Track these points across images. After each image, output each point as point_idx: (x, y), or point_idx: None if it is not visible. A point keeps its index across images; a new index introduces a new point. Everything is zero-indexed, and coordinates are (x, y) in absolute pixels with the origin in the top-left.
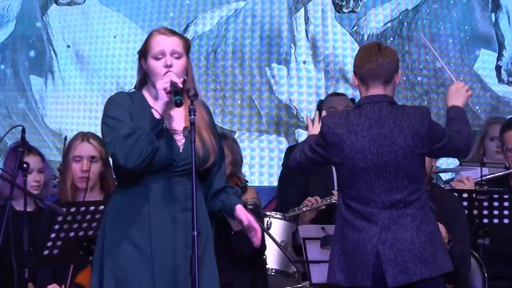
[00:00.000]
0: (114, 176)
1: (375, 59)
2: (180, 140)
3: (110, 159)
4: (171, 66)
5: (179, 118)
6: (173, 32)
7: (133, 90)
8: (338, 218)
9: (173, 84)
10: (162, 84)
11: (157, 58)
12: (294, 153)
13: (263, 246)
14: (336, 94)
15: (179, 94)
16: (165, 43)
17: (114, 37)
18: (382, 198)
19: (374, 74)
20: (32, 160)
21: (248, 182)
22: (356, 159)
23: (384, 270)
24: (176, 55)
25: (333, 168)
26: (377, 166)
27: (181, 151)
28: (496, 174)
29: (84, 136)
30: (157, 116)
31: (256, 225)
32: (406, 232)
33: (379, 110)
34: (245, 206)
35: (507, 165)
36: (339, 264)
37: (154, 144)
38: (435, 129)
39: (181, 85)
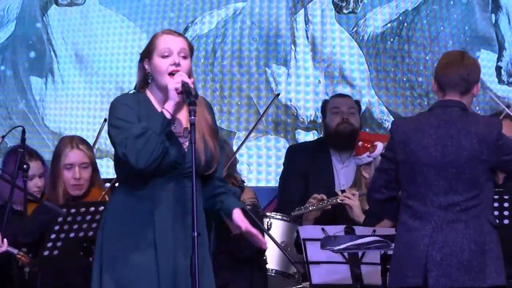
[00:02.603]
0: (117, 177)
1: (456, 70)
2: (184, 143)
3: (113, 161)
4: (179, 64)
5: (183, 121)
6: (179, 34)
7: (133, 90)
8: (398, 223)
9: (184, 84)
10: (174, 84)
11: (163, 56)
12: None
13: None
14: (340, 95)
15: (189, 95)
16: (173, 42)
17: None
18: (440, 198)
19: (452, 85)
20: (33, 166)
21: (244, 182)
22: (420, 155)
23: (428, 270)
24: (183, 54)
25: (335, 169)
26: (440, 164)
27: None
28: None
29: (73, 141)
30: (168, 116)
31: (253, 230)
32: (457, 237)
33: (449, 113)
34: (244, 209)
35: None
36: (391, 266)
37: (164, 144)
38: (505, 142)
39: (192, 85)
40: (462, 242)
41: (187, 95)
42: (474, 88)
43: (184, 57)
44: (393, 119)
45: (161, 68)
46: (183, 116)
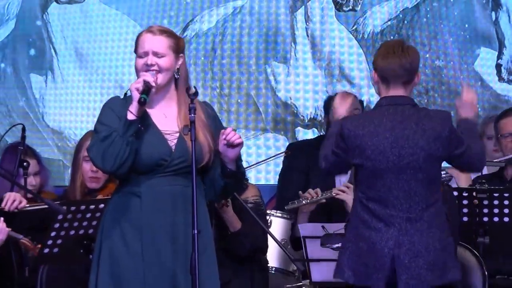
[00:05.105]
0: None
1: (398, 60)
2: (172, 140)
3: None
4: (151, 65)
5: (172, 118)
6: (161, 31)
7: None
8: (353, 216)
9: (146, 83)
10: (134, 84)
11: (140, 57)
12: (320, 160)
13: (264, 246)
14: (346, 93)
15: (147, 93)
16: (148, 43)
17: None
18: (401, 201)
19: (395, 75)
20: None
21: (248, 180)
22: (377, 160)
23: (397, 274)
24: (159, 55)
25: None
26: (397, 167)
27: (173, 150)
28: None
29: None
30: (130, 117)
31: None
32: (422, 238)
33: (401, 112)
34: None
35: (503, 154)
36: (349, 262)
37: (131, 146)
38: (455, 135)
39: (153, 84)
40: (427, 242)
41: (143, 92)
42: (415, 77)
43: (160, 57)
44: None
45: (137, 68)
46: (174, 114)
